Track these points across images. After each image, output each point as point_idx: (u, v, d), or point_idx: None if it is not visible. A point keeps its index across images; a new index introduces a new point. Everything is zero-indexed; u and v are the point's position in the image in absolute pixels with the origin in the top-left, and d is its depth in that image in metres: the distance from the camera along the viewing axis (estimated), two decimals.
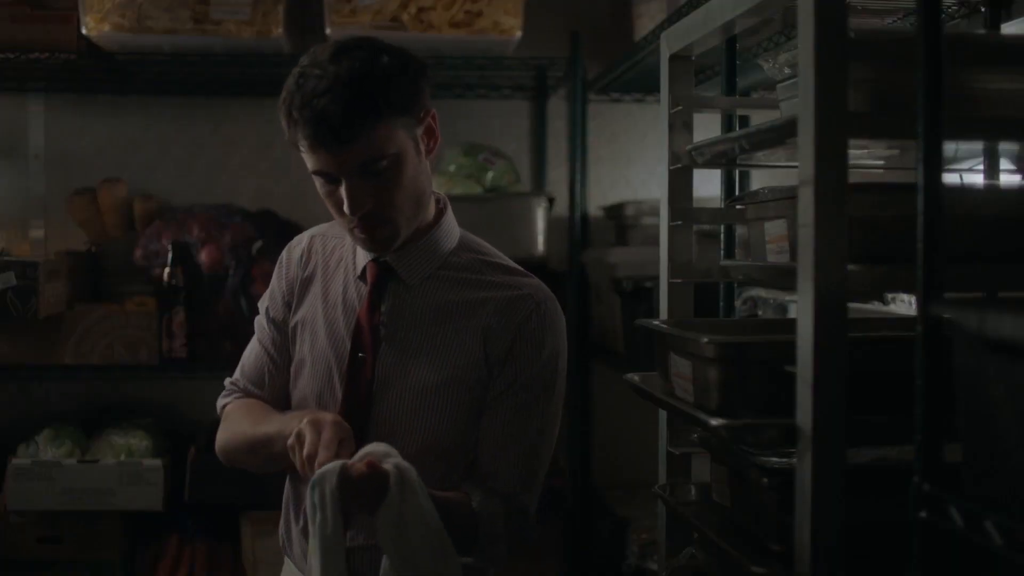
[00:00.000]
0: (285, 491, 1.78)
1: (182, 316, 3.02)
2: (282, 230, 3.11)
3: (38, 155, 3.42)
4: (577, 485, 3.41)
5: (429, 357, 1.65)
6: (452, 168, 3.28)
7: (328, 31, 2.97)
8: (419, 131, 1.62)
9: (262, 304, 1.83)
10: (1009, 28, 1.62)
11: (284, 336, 1.77)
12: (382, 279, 1.69)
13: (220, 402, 1.83)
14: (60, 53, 2.95)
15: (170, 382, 3.39)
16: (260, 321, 1.81)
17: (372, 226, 1.61)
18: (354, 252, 1.74)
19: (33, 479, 2.97)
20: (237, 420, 1.75)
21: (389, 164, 1.57)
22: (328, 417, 1.54)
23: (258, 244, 3.11)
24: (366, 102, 1.54)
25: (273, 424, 1.66)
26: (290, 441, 1.53)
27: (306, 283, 1.76)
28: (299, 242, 1.81)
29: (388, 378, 1.66)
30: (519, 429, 1.65)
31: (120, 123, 3.45)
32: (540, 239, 3.21)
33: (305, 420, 1.53)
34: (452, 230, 1.73)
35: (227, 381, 1.83)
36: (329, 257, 1.77)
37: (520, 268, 1.74)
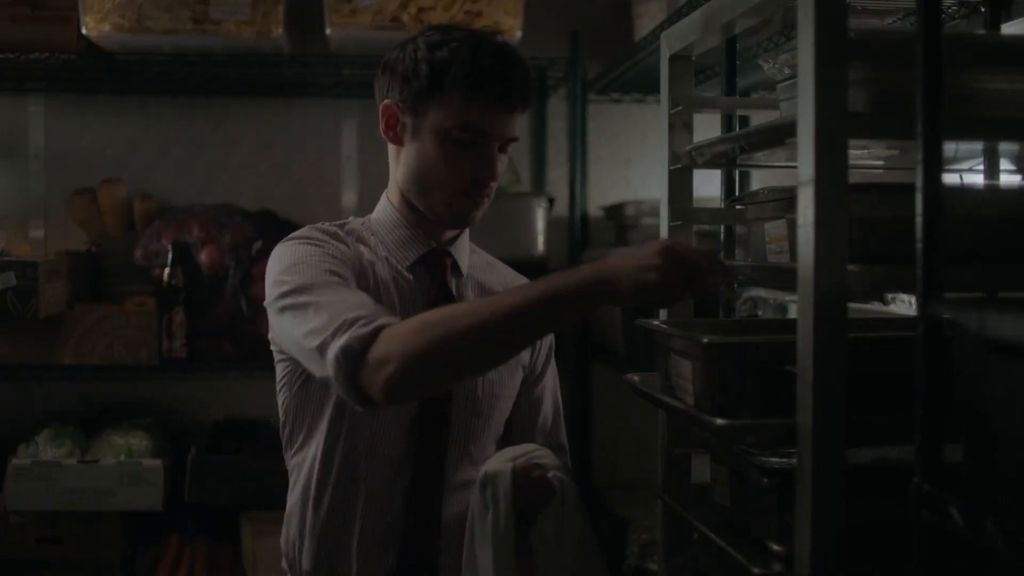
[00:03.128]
0: (294, 504, 1.69)
1: (182, 316, 3.02)
2: (282, 230, 3.10)
3: (38, 155, 3.42)
4: (577, 485, 3.40)
5: None
6: None
7: (328, 31, 2.96)
8: None
9: (320, 268, 1.52)
10: (1009, 28, 1.62)
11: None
12: (441, 268, 1.71)
13: (360, 331, 1.38)
14: (60, 53, 2.94)
15: (170, 382, 3.39)
16: (328, 279, 1.50)
17: (485, 195, 1.64)
18: (380, 248, 1.67)
19: (33, 479, 2.96)
20: (446, 315, 1.39)
21: (511, 146, 1.67)
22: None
23: (258, 244, 3.11)
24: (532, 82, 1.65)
25: (534, 286, 1.38)
26: (657, 261, 1.33)
27: (355, 267, 1.59)
28: (329, 227, 1.66)
29: None
30: (556, 390, 1.85)
31: (120, 123, 3.45)
32: (540, 239, 3.21)
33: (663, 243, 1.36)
34: None
35: (346, 319, 1.40)
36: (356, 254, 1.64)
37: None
